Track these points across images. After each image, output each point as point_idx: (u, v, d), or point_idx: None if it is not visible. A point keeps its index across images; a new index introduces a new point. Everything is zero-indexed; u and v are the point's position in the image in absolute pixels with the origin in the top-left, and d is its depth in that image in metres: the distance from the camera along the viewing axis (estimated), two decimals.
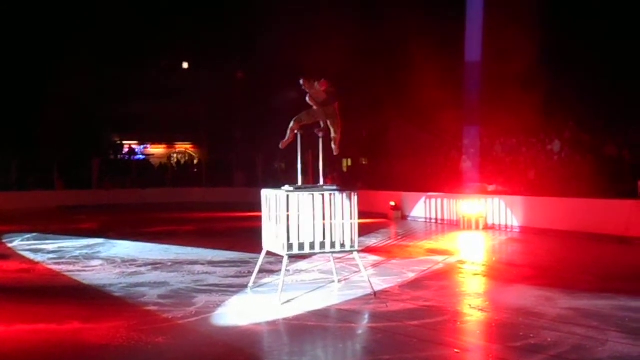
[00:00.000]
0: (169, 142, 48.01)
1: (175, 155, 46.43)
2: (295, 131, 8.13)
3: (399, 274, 9.30)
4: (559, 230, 14.45)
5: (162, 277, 9.20)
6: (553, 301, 7.32)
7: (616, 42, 20.18)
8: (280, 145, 8.39)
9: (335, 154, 8.45)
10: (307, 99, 8.22)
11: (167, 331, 6.19)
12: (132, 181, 34.21)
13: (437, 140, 24.75)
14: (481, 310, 7.09)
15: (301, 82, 8.18)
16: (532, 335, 5.85)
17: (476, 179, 18.93)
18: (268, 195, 7.91)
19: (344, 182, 24.13)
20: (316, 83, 8.12)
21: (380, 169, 26.28)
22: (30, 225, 18.50)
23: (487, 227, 16.33)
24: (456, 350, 5.61)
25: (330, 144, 8.29)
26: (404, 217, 20.03)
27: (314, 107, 8.17)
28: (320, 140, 8.25)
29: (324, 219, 7.81)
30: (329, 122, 8.26)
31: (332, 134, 8.28)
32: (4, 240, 14.53)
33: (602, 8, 20.51)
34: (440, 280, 8.94)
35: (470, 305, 7.32)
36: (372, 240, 13.82)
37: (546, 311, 6.82)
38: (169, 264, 10.56)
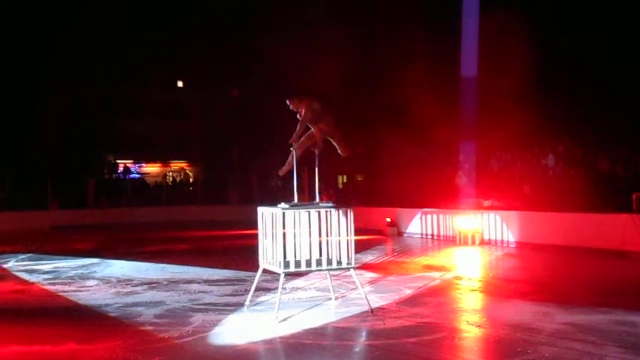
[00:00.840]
0: (164, 160, 47.99)
1: (170, 174, 46.39)
2: (296, 155, 8.13)
3: (395, 291, 9.29)
4: (555, 245, 14.45)
5: (158, 297, 9.15)
6: (550, 316, 7.31)
7: (609, 57, 20.35)
8: (280, 173, 8.41)
9: (344, 155, 8.53)
10: (298, 117, 8.25)
11: (163, 351, 6.15)
12: (128, 200, 34.11)
13: (432, 156, 24.80)
14: (478, 326, 7.08)
15: (287, 102, 8.21)
16: (529, 351, 5.84)
17: (472, 194, 18.95)
18: (264, 213, 7.91)
19: (339, 199, 24.13)
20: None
21: (375, 185, 26.29)
22: (24, 245, 18.41)
23: (483, 243, 16.34)
24: None
25: (333, 154, 8.40)
26: (399, 233, 20.01)
27: (311, 128, 8.20)
28: (316, 158, 8.27)
29: (320, 236, 7.81)
30: (331, 140, 8.29)
31: (339, 151, 8.39)
32: None
33: (595, 25, 20.71)
34: (437, 296, 8.92)
35: (467, 321, 7.31)
36: (368, 257, 13.79)
37: (544, 326, 6.81)
38: (165, 283, 10.52)
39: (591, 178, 16.40)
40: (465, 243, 16.38)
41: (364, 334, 6.86)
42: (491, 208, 17.32)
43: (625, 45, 20.05)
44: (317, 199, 8.35)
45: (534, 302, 8.20)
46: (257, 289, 8.42)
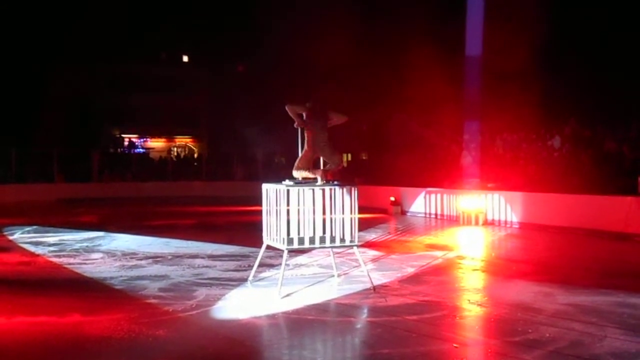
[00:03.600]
0: (169, 135, 48.04)
1: (175, 149, 46.45)
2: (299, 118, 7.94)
3: (398, 269, 9.33)
4: (559, 226, 14.47)
5: (162, 271, 9.22)
6: (552, 297, 7.34)
7: (616, 37, 20.18)
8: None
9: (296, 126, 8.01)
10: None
11: (167, 324, 6.22)
12: (132, 174, 34.24)
13: (437, 135, 24.75)
14: (480, 305, 7.12)
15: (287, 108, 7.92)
16: (530, 331, 5.88)
17: (476, 174, 18.93)
18: (268, 190, 7.92)
19: (343, 177, 24.10)
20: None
21: (380, 163, 26.28)
22: (30, 218, 18.52)
23: (486, 223, 16.36)
24: (455, 345, 5.63)
25: (338, 131, 8.20)
26: (403, 213, 20.04)
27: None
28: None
29: (324, 213, 7.83)
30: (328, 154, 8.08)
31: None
32: (4, 233, 14.56)
33: (602, 4, 20.51)
34: (440, 275, 8.97)
35: (469, 300, 7.35)
36: (371, 235, 13.84)
37: (545, 307, 6.84)
38: (169, 257, 10.59)
39: (597, 160, 16.35)
40: (469, 223, 16.41)
41: (366, 310, 6.91)
42: (495, 188, 17.30)
43: (636, 23, 19.85)
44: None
45: (535, 283, 8.24)
46: (260, 265, 8.47)
